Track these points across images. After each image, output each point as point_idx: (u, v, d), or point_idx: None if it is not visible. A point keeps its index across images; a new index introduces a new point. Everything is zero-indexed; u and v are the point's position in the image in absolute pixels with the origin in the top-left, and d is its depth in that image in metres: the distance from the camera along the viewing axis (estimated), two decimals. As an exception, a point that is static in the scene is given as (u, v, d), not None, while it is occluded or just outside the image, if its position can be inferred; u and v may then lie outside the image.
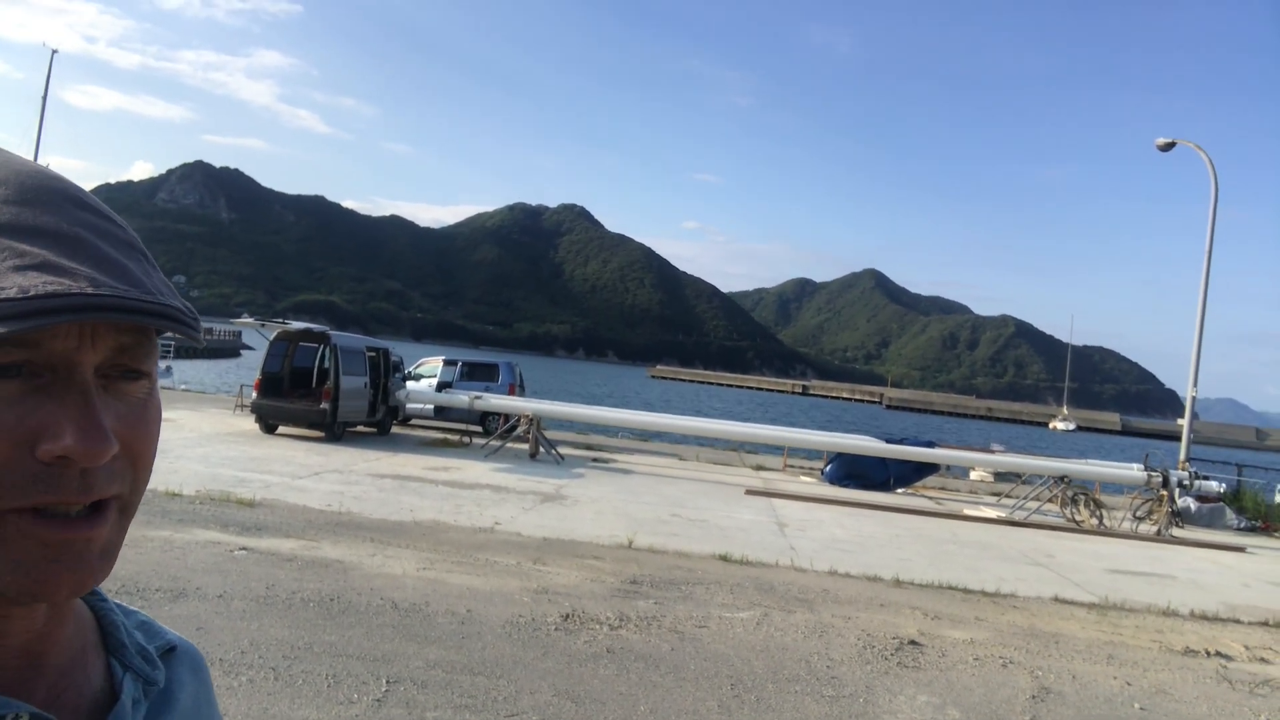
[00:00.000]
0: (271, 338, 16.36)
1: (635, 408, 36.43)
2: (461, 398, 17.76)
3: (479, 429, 19.84)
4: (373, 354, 17.04)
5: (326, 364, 16.30)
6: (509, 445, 17.13)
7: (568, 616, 6.50)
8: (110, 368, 0.56)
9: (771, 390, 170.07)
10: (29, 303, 0.49)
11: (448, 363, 21.25)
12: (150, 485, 8.54)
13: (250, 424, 16.59)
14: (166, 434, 14.60)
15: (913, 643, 6.79)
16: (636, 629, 6.39)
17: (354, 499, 10.58)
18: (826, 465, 18.74)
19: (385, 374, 17.39)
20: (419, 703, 4.59)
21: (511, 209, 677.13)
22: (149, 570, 6.47)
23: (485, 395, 18.05)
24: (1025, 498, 16.15)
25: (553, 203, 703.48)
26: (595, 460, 17.79)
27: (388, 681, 4.80)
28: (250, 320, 17.46)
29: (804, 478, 18.92)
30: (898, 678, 5.91)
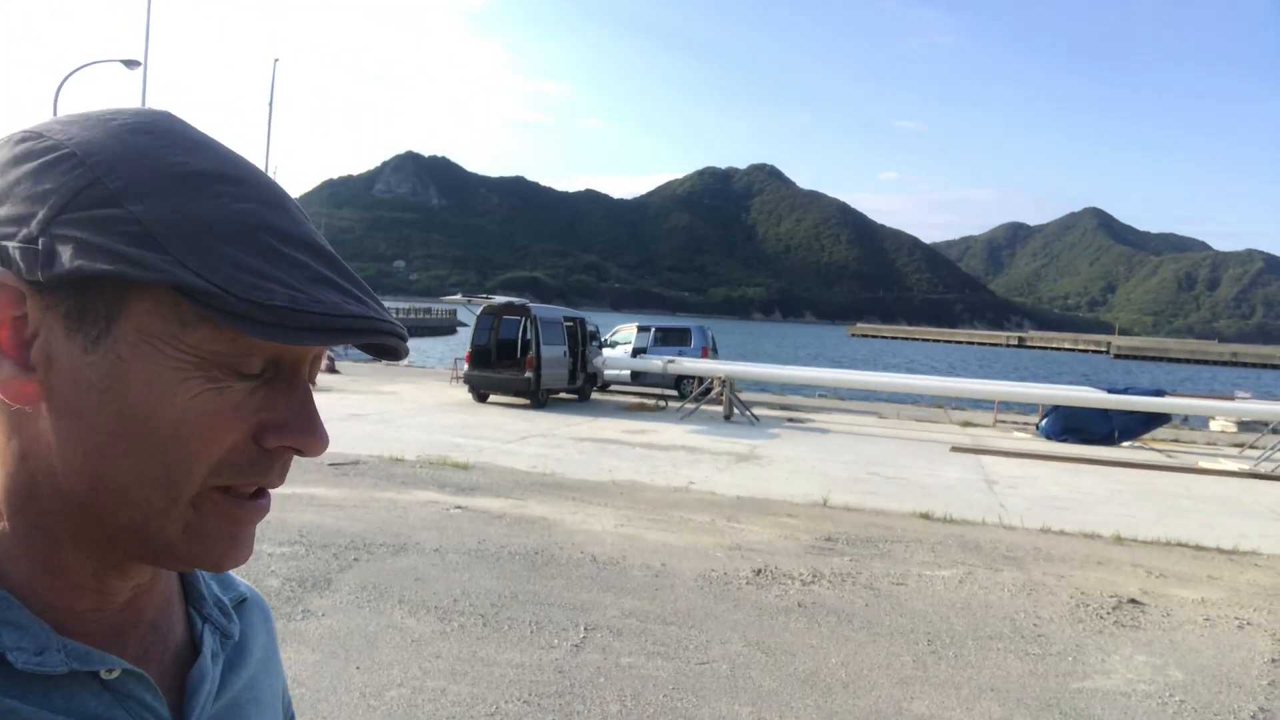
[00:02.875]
0: (478, 313, 17.39)
1: (833, 367, 35.71)
2: (655, 362, 18.12)
3: (674, 393, 20.19)
4: (570, 324, 17.71)
5: (528, 335, 17.10)
6: (704, 408, 17.33)
7: (760, 571, 6.56)
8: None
9: (983, 344, 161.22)
10: (341, 320, 0.53)
11: (641, 329, 21.72)
12: (377, 451, 9.27)
13: (464, 394, 17.74)
14: (390, 405, 15.92)
15: (1133, 601, 6.34)
16: (830, 585, 6.36)
17: (557, 461, 11.11)
18: (1042, 420, 17.64)
19: (583, 342, 18.04)
20: (614, 649, 4.81)
21: (701, 174, 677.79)
22: (375, 527, 7.12)
23: (678, 359, 18.32)
24: (1273, 448, 14.51)
25: (742, 164, 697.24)
26: (791, 420, 17.67)
27: (585, 629, 5.06)
28: (458, 297, 18.63)
29: (1017, 433, 17.91)
30: (1113, 637, 5.55)
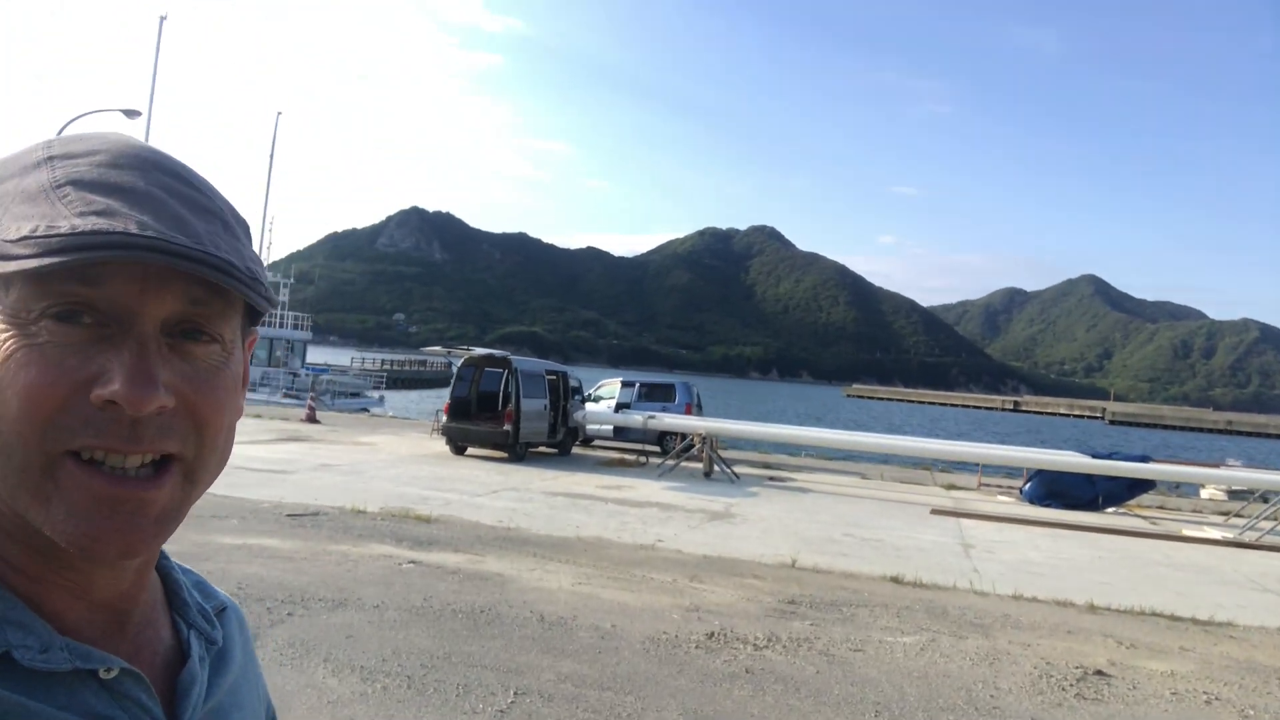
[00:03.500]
0: (459, 365, 17.28)
1: (825, 427, 35.51)
2: (636, 418, 17.95)
3: (657, 449, 20.00)
4: (552, 377, 17.60)
5: (510, 388, 16.98)
6: (685, 465, 17.12)
7: (712, 635, 6.32)
8: (178, 326, 0.58)
9: (979, 407, 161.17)
10: (73, 238, 0.52)
11: (625, 384, 21.60)
12: (339, 503, 9.00)
13: (443, 446, 17.54)
14: (364, 456, 15.70)
15: (1099, 673, 6.10)
16: (783, 650, 6.12)
17: (525, 515, 10.88)
18: (1025, 484, 17.43)
19: (564, 396, 17.89)
20: (542, 715, 4.58)
21: (701, 234, 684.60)
22: (319, 581, 6.90)
23: (659, 415, 18.16)
24: (1259, 516, 14.29)
25: (742, 225, 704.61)
26: (772, 479, 17.44)
27: (515, 693, 4.83)
28: (438, 349, 18.56)
29: (1000, 497, 17.67)
30: (1072, 710, 5.31)
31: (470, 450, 17.16)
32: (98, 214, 0.54)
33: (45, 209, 0.54)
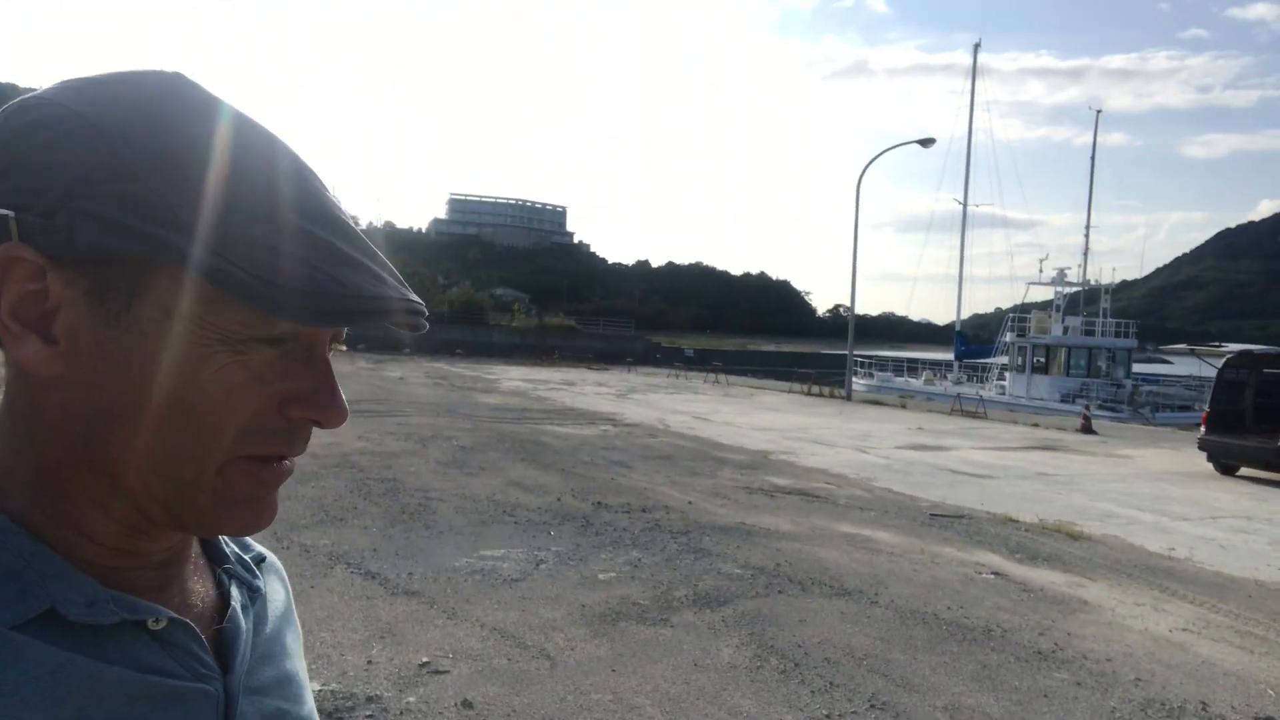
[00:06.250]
0: (1220, 365, 14.35)
1: None
2: None
3: None
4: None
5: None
6: None
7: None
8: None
9: None
10: (360, 302, 0.54)
11: None
12: (1000, 509, 9.34)
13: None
14: (1108, 470, 14.31)
15: None
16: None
17: (1219, 548, 8.74)
18: None
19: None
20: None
21: None
22: (865, 572, 6.96)
23: None
24: None
25: None
26: None
27: None
28: (1181, 346, 15.61)
29: None
30: None
31: (1247, 471, 14.05)
32: (344, 263, 0.54)
33: (291, 246, 0.53)
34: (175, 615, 0.59)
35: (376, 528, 7.42)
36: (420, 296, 0.58)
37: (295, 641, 0.75)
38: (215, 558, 0.70)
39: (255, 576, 0.71)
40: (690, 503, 9.32)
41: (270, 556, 0.77)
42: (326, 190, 0.58)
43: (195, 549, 0.68)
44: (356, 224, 0.59)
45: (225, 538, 0.71)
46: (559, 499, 9.07)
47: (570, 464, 11.43)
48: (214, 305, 0.53)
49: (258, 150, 0.56)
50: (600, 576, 6.35)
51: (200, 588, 0.67)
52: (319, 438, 12.65)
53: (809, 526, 8.53)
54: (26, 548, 0.55)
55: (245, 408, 0.55)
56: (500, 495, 9.07)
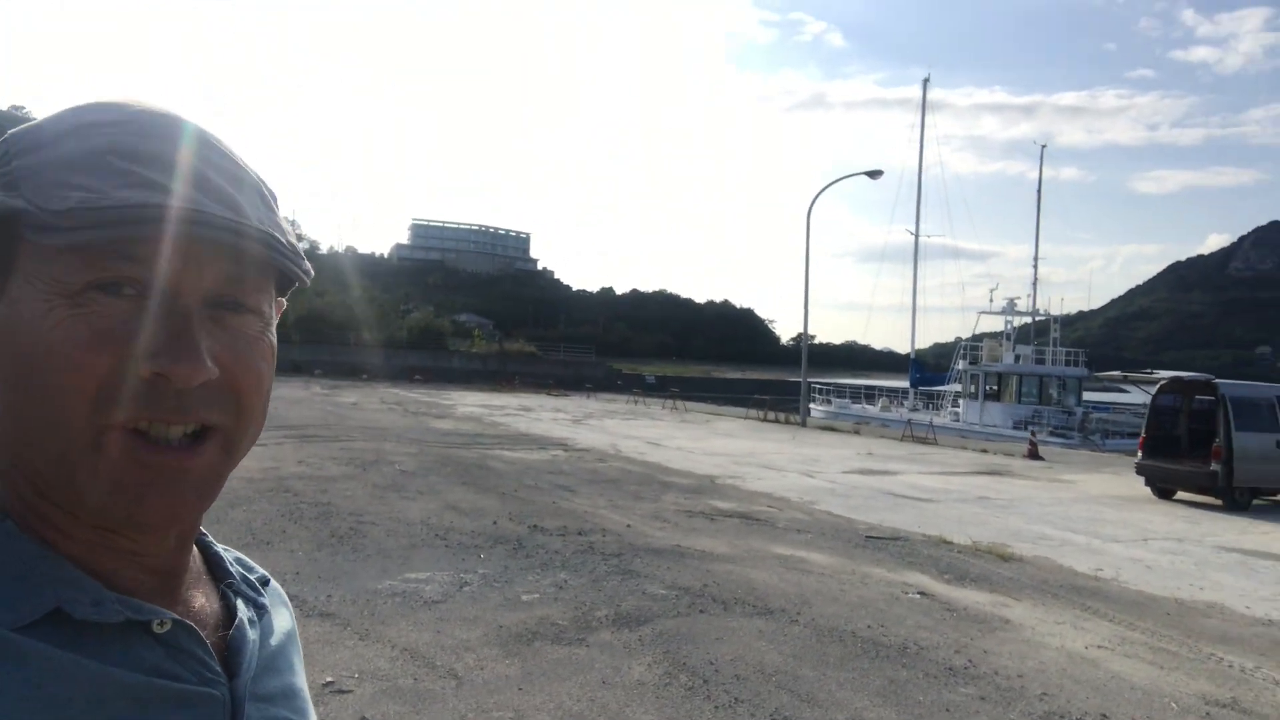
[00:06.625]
0: (1153, 392, 14.71)
1: None
2: None
3: None
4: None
5: (1219, 420, 13.77)
6: None
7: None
8: (218, 300, 0.58)
9: None
10: (119, 211, 0.52)
11: None
12: (936, 532, 9.19)
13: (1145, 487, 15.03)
14: (1049, 494, 14.52)
15: None
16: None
17: (1145, 568, 8.90)
18: None
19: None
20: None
21: None
22: (784, 590, 7.00)
23: None
24: None
25: None
26: None
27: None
28: (1115, 374, 16.01)
29: None
30: None
31: (1184, 495, 14.35)
32: (142, 186, 0.54)
33: (87, 179, 0.53)
34: (179, 618, 0.59)
35: (303, 551, 7.32)
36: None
37: (300, 663, 0.75)
38: (219, 575, 0.70)
39: (260, 595, 0.72)
40: (629, 526, 9.32)
41: (274, 581, 0.78)
42: (193, 145, 0.59)
43: (198, 565, 0.69)
44: (270, 194, 0.63)
45: (227, 557, 0.72)
46: (494, 522, 9.02)
47: (513, 488, 11.37)
48: (44, 255, 0.54)
49: (123, 120, 0.58)
50: (523, 598, 6.32)
51: (203, 600, 0.67)
52: (255, 460, 12.40)
53: (744, 548, 8.56)
54: (31, 552, 0.56)
55: (94, 365, 0.53)
56: (435, 519, 8.99)
